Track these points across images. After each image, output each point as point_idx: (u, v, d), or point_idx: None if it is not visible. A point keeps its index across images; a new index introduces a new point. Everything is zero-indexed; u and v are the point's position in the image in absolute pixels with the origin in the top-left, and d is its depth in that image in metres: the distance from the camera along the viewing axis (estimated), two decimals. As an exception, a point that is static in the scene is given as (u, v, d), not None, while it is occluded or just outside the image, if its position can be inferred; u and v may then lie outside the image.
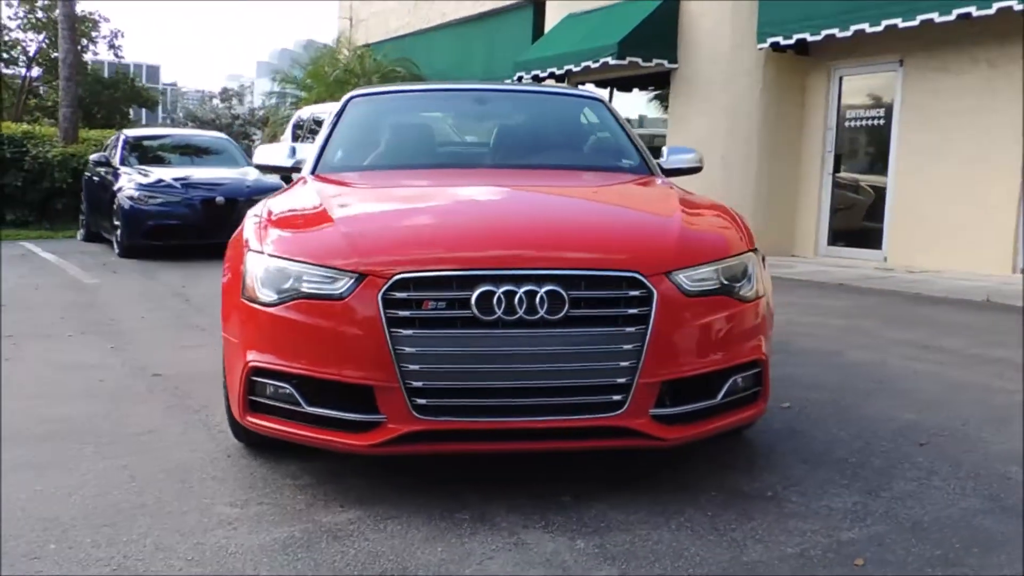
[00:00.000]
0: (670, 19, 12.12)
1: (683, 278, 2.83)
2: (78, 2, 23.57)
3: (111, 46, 24.38)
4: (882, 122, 10.80)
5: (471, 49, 16.86)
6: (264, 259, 2.90)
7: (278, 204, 3.37)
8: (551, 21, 14.55)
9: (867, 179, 11.16)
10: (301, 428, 2.80)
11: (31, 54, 23.82)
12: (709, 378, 2.90)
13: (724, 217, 3.31)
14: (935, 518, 2.79)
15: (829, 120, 11.40)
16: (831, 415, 3.90)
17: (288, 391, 2.79)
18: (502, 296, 2.65)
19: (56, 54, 19.77)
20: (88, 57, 24.49)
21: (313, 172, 3.93)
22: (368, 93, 4.49)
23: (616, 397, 2.73)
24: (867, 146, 11.37)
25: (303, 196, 3.42)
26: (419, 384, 2.66)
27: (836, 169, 11.38)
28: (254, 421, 2.89)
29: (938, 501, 2.93)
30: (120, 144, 11.76)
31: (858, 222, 11.26)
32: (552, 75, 13.38)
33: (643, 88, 13.66)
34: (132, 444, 3.42)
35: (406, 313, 2.67)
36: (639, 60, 11.97)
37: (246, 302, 2.89)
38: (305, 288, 2.77)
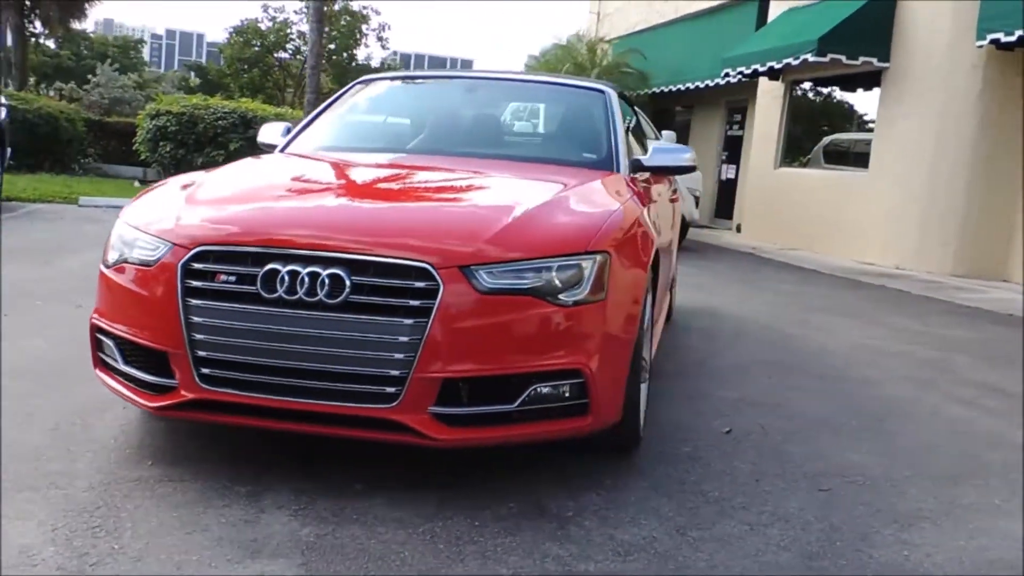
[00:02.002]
0: (884, 15, 11.16)
1: (484, 274, 2.70)
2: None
3: (379, 38, 26.41)
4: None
5: (697, 44, 16.43)
6: (119, 224, 3.13)
7: (189, 175, 3.59)
8: (774, 16, 13.86)
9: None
10: (120, 384, 2.99)
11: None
12: (507, 382, 2.75)
13: (591, 216, 3.09)
14: (711, 565, 2.48)
15: (1061, 129, 9.98)
16: (764, 447, 3.52)
17: (112, 349, 3.01)
18: (286, 276, 2.68)
19: (332, 45, 21.74)
20: (362, 51, 26.57)
21: (283, 150, 4.13)
22: (370, 79, 4.61)
23: (390, 389, 2.66)
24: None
25: (217, 170, 3.61)
26: (204, 354, 2.74)
27: (1065, 185, 9.95)
28: (98, 374, 3.12)
29: (742, 551, 2.59)
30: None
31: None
32: (756, 72, 12.78)
33: (867, 88, 12.65)
34: (70, 386, 3.76)
35: (200, 284, 2.76)
36: (842, 57, 11.16)
37: (101, 264, 3.13)
38: (134, 254, 2.95)
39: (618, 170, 3.90)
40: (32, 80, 40.46)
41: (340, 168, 3.79)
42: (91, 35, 57.37)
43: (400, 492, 2.85)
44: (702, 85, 15.92)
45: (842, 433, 3.77)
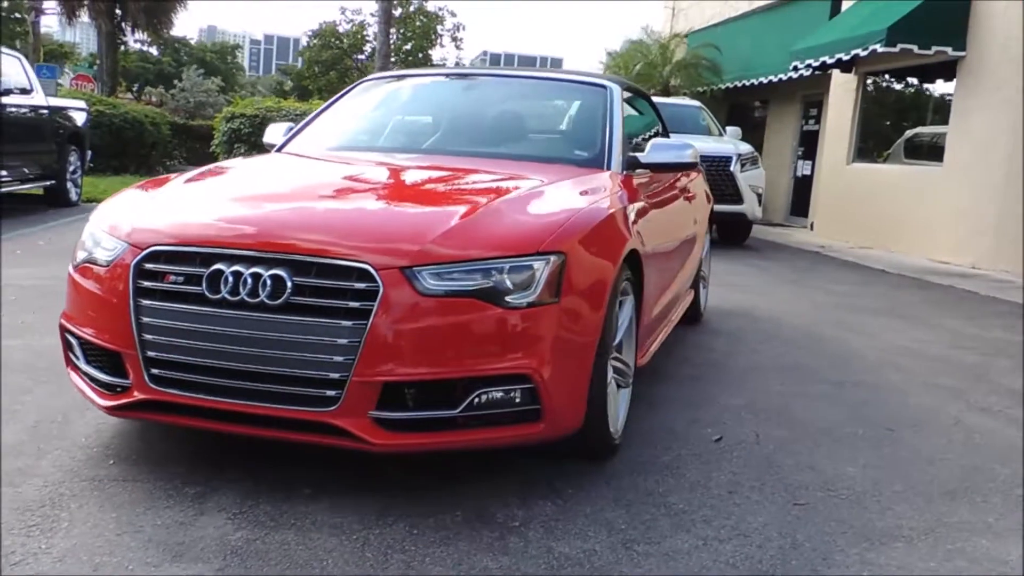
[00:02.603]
0: (959, 2, 10.60)
1: (427, 275, 2.63)
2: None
3: (453, 39, 26.54)
4: None
5: (772, 37, 15.96)
6: (87, 225, 3.16)
7: (163, 177, 3.61)
8: (847, 7, 13.37)
9: None
10: (84, 383, 3.01)
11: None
12: (451, 386, 2.67)
13: (550, 216, 2.98)
14: (646, 583, 2.36)
15: None
16: (753, 456, 3.35)
17: (76, 348, 3.04)
18: (230, 276, 2.66)
19: (407, 46, 21.96)
20: (437, 52, 26.82)
21: (279, 150, 4.14)
22: (375, 78, 4.59)
23: (330, 392, 2.62)
24: None
25: (190, 172, 3.63)
26: (153, 354, 2.74)
27: None
28: (69, 373, 3.16)
29: (686, 567, 2.45)
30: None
31: None
32: (824, 64, 12.33)
33: (948, 79, 12.07)
34: (66, 384, 3.83)
35: (150, 284, 2.76)
36: (914, 47, 10.65)
37: (70, 265, 3.17)
38: (95, 255, 2.96)
39: (609, 167, 3.78)
40: (135, 86, 42.12)
41: (310, 168, 3.78)
42: (191, 42, 59.40)
43: (348, 496, 2.80)
44: (775, 79, 15.49)
45: (843, 443, 3.57)
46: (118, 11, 24.01)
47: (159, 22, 24.80)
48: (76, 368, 3.08)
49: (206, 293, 2.68)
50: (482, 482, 2.97)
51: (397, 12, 25.18)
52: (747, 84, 16.83)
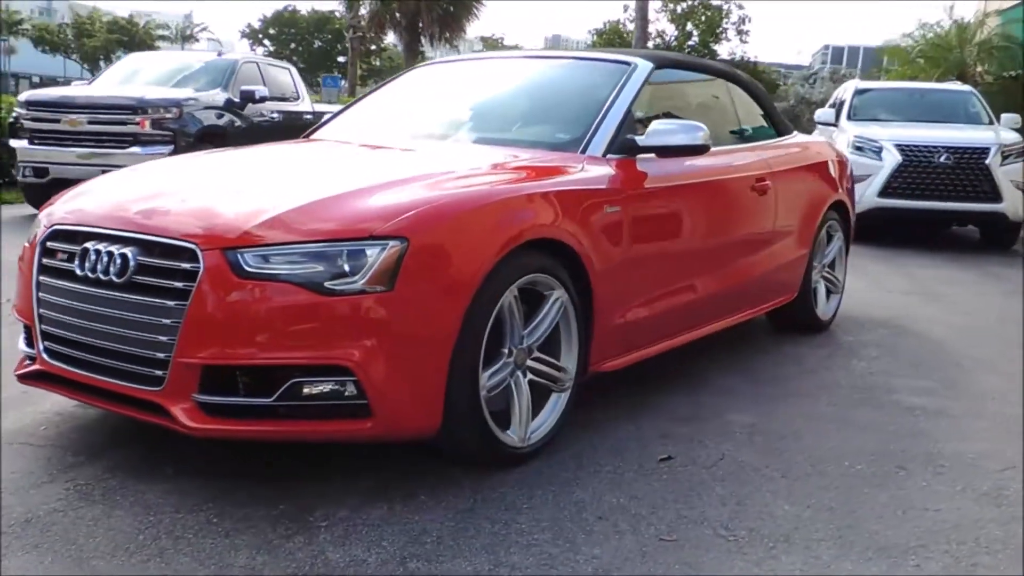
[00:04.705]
0: None
1: (248, 257, 2.57)
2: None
3: (738, 32, 25.47)
4: None
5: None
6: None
7: None
8: None
9: None
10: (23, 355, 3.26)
11: (667, 40, 26.14)
12: (268, 374, 2.58)
13: (401, 201, 2.75)
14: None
15: None
16: (682, 481, 2.90)
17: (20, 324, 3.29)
18: (92, 254, 2.77)
19: (690, 42, 21.57)
20: (724, 46, 25.93)
21: (305, 137, 4.25)
22: (427, 64, 4.58)
23: (158, 372, 2.63)
24: None
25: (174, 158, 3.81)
26: (46, 328, 2.91)
27: None
28: None
29: (435, 592, 2.17)
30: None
31: None
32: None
33: None
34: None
35: (48, 261, 2.94)
36: None
37: None
38: (31, 235, 3.20)
39: (586, 151, 3.45)
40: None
41: (243, 153, 3.85)
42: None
43: (200, 480, 2.79)
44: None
45: (818, 478, 2.97)
46: (420, 24, 26.04)
47: (452, 32, 26.77)
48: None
49: (76, 270, 2.80)
50: (345, 478, 2.82)
51: (679, 8, 24.85)
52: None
